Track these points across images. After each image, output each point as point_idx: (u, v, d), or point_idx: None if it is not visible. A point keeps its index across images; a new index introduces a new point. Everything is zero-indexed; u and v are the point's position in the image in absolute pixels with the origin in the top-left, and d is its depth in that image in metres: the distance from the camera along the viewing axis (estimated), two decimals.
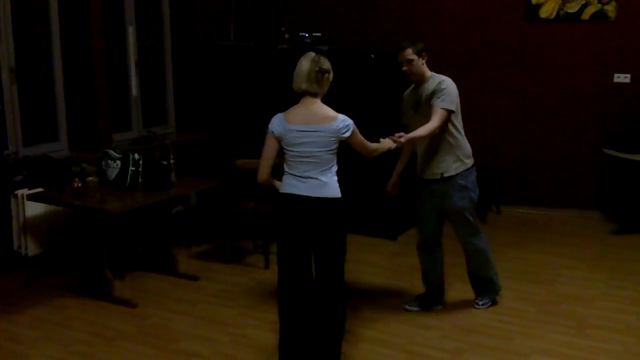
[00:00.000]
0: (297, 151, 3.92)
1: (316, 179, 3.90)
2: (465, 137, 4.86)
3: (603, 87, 7.50)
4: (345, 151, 4.25)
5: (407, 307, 5.17)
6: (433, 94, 4.64)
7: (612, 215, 7.58)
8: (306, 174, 3.91)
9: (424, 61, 4.73)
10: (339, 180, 3.98)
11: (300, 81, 3.93)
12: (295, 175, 3.94)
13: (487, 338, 4.72)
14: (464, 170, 4.78)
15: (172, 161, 5.58)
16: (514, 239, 6.98)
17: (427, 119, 4.64)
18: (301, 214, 3.93)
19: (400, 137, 4.39)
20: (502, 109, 7.87)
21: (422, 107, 4.73)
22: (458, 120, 4.79)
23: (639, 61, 7.35)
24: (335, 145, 3.92)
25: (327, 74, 3.98)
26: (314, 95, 3.95)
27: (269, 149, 4.00)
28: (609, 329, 4.87)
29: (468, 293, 5.48)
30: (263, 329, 4.84)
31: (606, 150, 7.23)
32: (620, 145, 7.08)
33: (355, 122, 3.97)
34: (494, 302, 5.20)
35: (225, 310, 5.19)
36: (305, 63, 3.94)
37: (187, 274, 5.85)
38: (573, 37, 7.51)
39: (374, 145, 4.20)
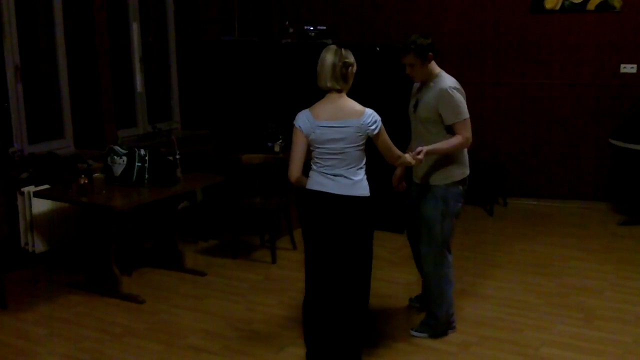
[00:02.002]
0: (325, 148, 3.82)
1: (346, 177, 3.83)
2: (464, 150, 4.54)
3: (609, 77, 7.47)
4: None
5: (411, 299, 5.18)
6: (435, 103, 4.36)
7: (620, 206, 7.56)
8: (335, 171, 3.83)
9: (429, 61, 4.40)
10: None
11: (325, 78, 3.82)
12: (324, 173, 3.85)
13: (495, 330, 4.71)
14: (450, 183, 4.47)
15: (177, 157, 5.57)
16: (521, 230, 6.97)
17: (422, 120, 4.45)
18: (328, 212, 3.85)
19: (418, 154, 4.19)
20: (508, 101, 7.85)
21: (420, 108, 4.47)
22: None
23: None
24: (363, 141, 3.81)
25: (351, 67, 3.86)
26: (337, 91, 3.85)
27: (299, 146, 3.87)
28: (618, 320, 4.86)
29: (476, 286, 5.48)
30: (271, 324, 4.84)
31: (613, 141, 7.21)
32: (627, 136, 7.06)
33: None
34: (434, 336, 4.62)
35: (233, 305, 5.19)
36: (329, 58, 3.81)
37: (194, 270, 5.85)
38: (578, 28, 7.49)
39: (400, 152, 4.05)
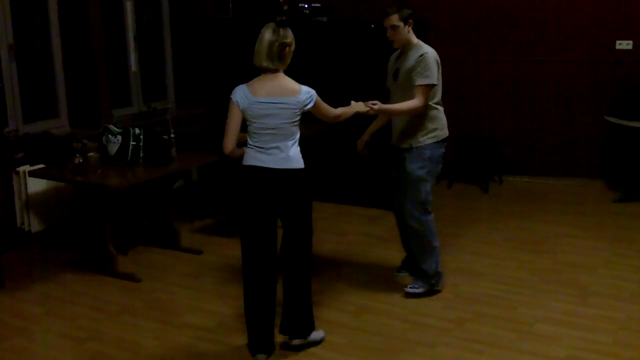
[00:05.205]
0: (261, 123, 3.93)
1: (280, 150, 3.94)
2: (442, 110, 4.78)
3: (605, 54, 7.45)
4: (345, 126, 4.28)
5: (397, 274, 5.25)
6: (413, 67, 4.59)
7: (615, 183, 7.56)
8: (270, 145, 3.93)
9: (409, 28, 4.66)
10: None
11: (261, 58, 3.92)
12: (259, 147, 3.96)
13: (490, 307, 4.74)
14: (433, 143, 4.71)
15: (172, 136, 5.56)
16: (516, 208, 6.98)
17: (403, 88, 4.66)
18: (266, 186, 3.98)
19: (374, 104, 4.44)
20: (503, 78, 7.82)
21: (401, 76, 4.71)
22: (437, 93, 4.71)
23: None
24: (299, 117, 3.96)
25: (288, 47, 3.95)
26: (274, 71, 3.94)
27: (233, 120, 3.97)
28: (612, 296, 4.89)
29: (470, 263, 5.51)
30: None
31: (608, 118, 7.21)
32: (622, 113, 7.05)
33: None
34: (429, 291, 4.89)
35: (229, 283, 5.20)
36: (266, 36, 3.91)
37: (190, 248, 5.86)
38: (575, 4, 7.45)
39: (338, 110, 4.23)
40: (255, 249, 4.08)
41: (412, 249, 4.98)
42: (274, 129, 3.91)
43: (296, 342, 4.20)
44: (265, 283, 4.10)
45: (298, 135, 4.01)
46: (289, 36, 3.95)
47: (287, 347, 4.21)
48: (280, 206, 4.03)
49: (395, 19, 4.60)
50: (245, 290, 4.16)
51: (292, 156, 3.96)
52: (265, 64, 3.91)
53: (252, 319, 4.15)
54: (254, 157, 3.98)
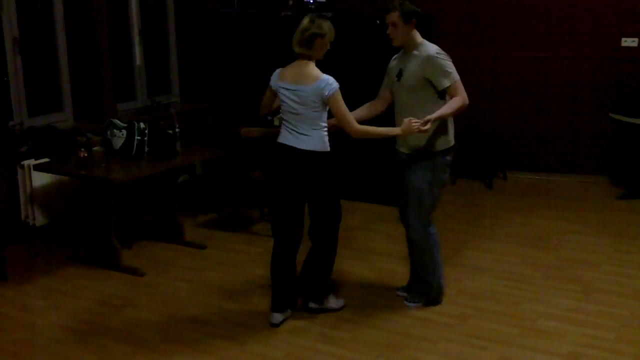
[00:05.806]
0: (286, 106, 4.20)
1: (304, 134, 4.18)
2: (451, 117, 4.48)
3: (610, 51, 7.44)
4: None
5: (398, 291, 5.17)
6: (421, 70, 4.35)
7: (619, 180, 7.56)
8: (295, 128, 4.19)
9: (411, 27, 4.37)
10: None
11: (295, 44, 4.15)
12: (287, 128, 4.24)
13: (493, 303, 4.74)
14: (438, 151, 4.45)
15: (177, 130, 5.57)
16: (520, 204, 6.98)
17: (408, 88, 4.43)
18: (290, 163, 4.23)
19: (422, 123, 4.17)
20: (508, 74, 7.81)
21: (405, 76, 4.43)
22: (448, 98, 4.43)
23: None
24: (319, 104, 4.12)
25: (319, 38, 4.09)
26: (305, 57, 4.15)
27: (267, 96, 4.39)
28: (616, 293, 4.89)
29: (474, 259, 5.51)
30: (270, 297, 4.85)
31: (613, 115, 7.20)
32: (627, 110, 7.04)
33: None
34: (428, 304, 4.71)
35: (233, 278, 5.22)
36: (303, 23, 4.11)
37: (194, 243, 5.87)
38: (580, 1, 7.43)
39: (363, 127, 4.22)
40: (283, 223, 4.37)
41: (414, 263, 4.77)
42: (296, 114, 4.16)
43: (312, 305, 4.52)
44: (290, 249, 4.43)
45: (324, 122, 4.19)
46: (324, 28, 4.11)
47: (305, 309, 4.57)
48: (305, 186, 4.25)
49: (395, 16, 4.33)
50: (273, 253, 4.49)
51: (314, 138, 4.17)
52: (297, 49, 4.15)
53: (274, 280, 4.47)
54: (283, 136, 4.26)
